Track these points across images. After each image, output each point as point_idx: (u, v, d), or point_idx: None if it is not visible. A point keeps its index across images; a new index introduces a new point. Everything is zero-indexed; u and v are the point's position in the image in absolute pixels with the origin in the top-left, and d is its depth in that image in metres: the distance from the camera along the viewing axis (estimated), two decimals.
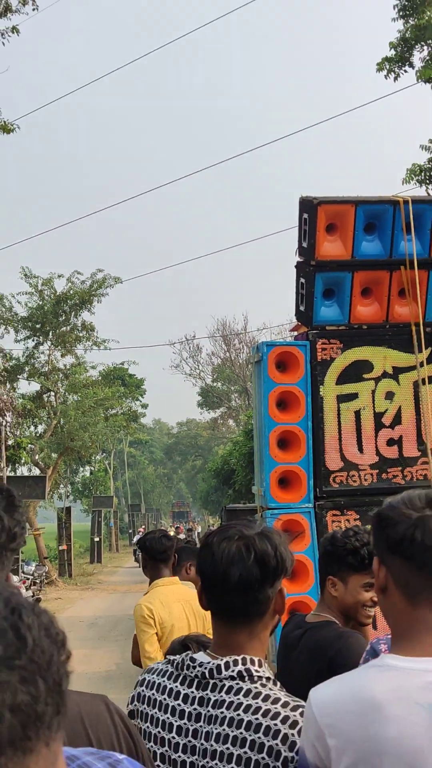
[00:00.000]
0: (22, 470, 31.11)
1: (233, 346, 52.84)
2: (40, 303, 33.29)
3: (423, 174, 18.31)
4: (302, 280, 6.08)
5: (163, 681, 2.15)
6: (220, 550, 2.04)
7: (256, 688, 1.99)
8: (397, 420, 6.07)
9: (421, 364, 6.06)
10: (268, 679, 2.02)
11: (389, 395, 6.07)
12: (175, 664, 2.16)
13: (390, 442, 6.04)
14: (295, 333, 6.76)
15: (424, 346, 6.07)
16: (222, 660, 2.02)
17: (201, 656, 2.10)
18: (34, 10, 21.11)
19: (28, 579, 22.72)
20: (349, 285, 6.00)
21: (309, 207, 5.93)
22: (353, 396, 6.02)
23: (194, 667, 2.07)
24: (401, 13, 19.02)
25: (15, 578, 19.61)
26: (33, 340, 34.00)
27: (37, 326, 33.52)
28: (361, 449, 6.00)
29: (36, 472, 31.84)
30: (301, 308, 6.13)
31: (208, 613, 6.30)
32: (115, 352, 65.16)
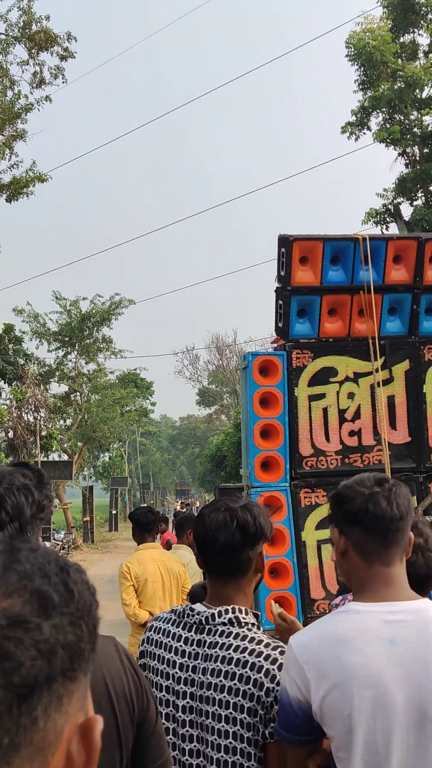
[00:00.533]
0: (54, 456, 31.06)
1: (225, 356, 52.83)
2: (68, 320, 33.33)
3: (378, 216, 18.38)
4: (280, 302, 6.07)
5: (168, 627, 2.19)
6: (210, 519, 2.08)
7: (243, 632, 2.03)
8: (357, 415, 6.06)
9: (377, 371, 6.06)
10: (253, 624, 2.07)
11: (350, 395, 6.07)
12: (177, 612, 2.19)
13: (351, 433, 6.04)
14: (275, 345, 6.76)
15: (379, 355, 6.08)
16: (216, 609, 2.06)
17: (198, 606, 2.13)
18: (63, 82, 21.14)
19: (58, 544, 22.73)
20: (318, 306, 6.00)
21: (286, 243, 5.93)
22: (321, 396, 6.02)
23: (193, 615, 2.11)
24: (360, 87, 19.06)
25: (48, 544, 19.60)
26: (62, 351, 34.08)
27: (66, 339, 33.54)
28: (328, 439, 6.00)
29: (65, 457, 31.79)
30: (280, 325, 6.13)
31: (181, 570, 6.52)
32: (130, 360, 65.17)
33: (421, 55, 19.73)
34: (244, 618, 2.06)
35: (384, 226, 18.41)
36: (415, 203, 18.44)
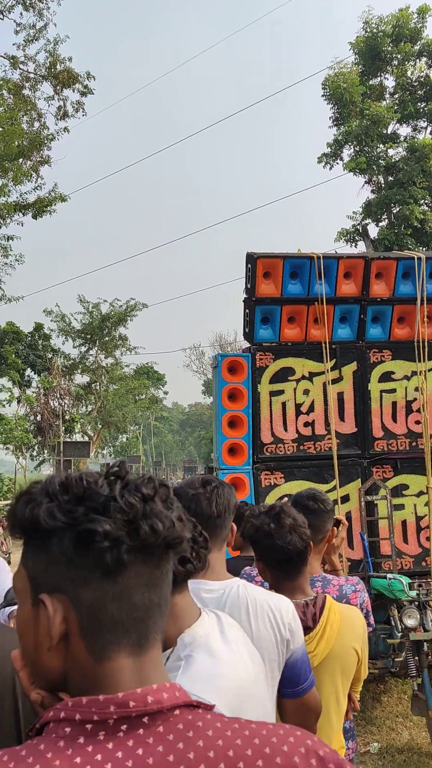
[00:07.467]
0: (76, 437, 31.18)
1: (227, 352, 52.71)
2: (90, 320, 33.35)
3: (348, 236, 18.32)
4: (247, 311, 6.05)
5: None
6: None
7: None
8: (311, 409, 6.05)
9: (328, 371, 6.05)
10: None
11: (306, 392, 6.05)
12: None
13: (305, 424, 6.02)
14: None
15: (330, 358, 6.06)
16: None
17: None
18: (83, 115, 21.10)
19: None
20: (279, 315, 5.98)
21: (251, 260, 5.91)
22: (281, 392, 6.01)
23: None
24: (335, 122, 18.97)
25: None
26: (85, 347, 34.09)
27: (88, 337, 33.57)
28: (285, 428, 5.98)
29: (85, 438, 31.87)
30: (246, 330, 6.12)
31: None
32: (144, 355, 65.25)
33: (387, 95, 19.65)
34: None
35: (353, 244, 18.40)
36: (380, 224, 18.38)
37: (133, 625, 0.81)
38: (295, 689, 1.80)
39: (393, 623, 5.16)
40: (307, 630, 2.04)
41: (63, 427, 27.78)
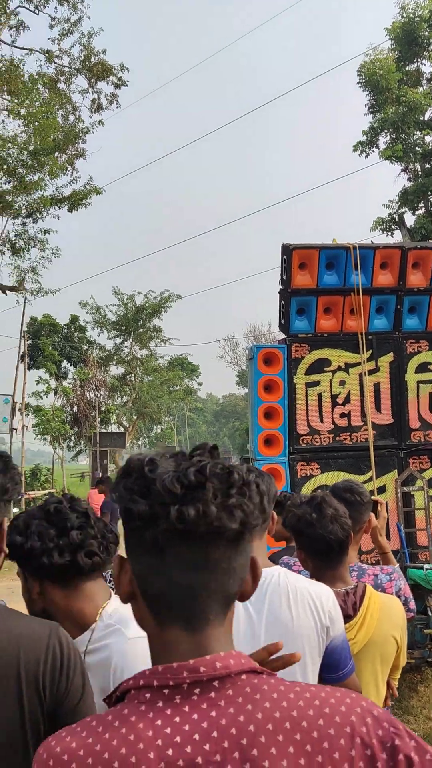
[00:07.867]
0: (112, 428, 31.48)
1: (261, 343, 52.51)
2: (125, 312, 33.47)
3: (384, 224, 18.09)
4: (283, 302, 6.07)
5: None
6: None
7: None
8: (347, 400, 6.05)
9: (365, 361, 6.04)
10: None
11: (342, 383, 6.05)
12: None
13: (342, 415, 6.03)
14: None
15: (366, 348, 6.05)
16: None
17: None
18: (117, 107, 21.17)
19: None
20: (314, 306, 5.99)
21: (287, 251, 5.92)
22: (317, 383, 6.02)
23: None
24: (370, 110, 18.72)
25: None
26: (120, 338, 34.28)
27: (123, 328, 33.73)
28: (321, 420, 6.00)
29: (121, 429, 32.15)
30: (282, 322, 6.13)
31: None
32: (178, 347, 65.34)
33: (424, 81, 19.31)
34: None
35: (389, 233, 18.14)
36: (416, 213, 18.11)
37: (179, 602, 0.86)
38: (336, 674, 1.84)
39: (430, 613, 5.16)
40: (347, 618, 2.07)
41: (99, 418, 28.07)
